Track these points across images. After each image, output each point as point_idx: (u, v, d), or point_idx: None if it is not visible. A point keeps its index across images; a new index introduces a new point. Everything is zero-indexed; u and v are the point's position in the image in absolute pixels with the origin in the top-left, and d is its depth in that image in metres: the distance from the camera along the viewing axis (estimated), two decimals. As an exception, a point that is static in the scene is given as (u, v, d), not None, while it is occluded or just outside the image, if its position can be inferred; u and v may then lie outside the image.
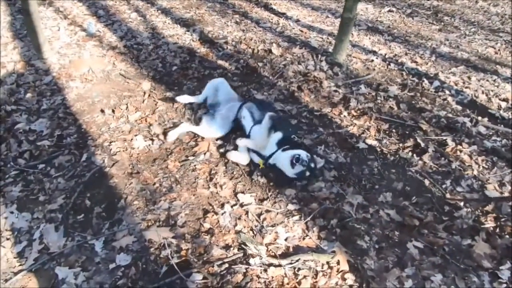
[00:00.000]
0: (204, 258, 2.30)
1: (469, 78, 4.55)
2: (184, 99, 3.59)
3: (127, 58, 4.50)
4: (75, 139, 3.21)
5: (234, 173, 2.94)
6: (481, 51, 5.43)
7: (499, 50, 5.50)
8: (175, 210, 2.61)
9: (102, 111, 3.54)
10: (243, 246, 2.35)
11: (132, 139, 3.20)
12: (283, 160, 2.82)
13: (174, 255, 2.31)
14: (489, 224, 2.61)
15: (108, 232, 2.46)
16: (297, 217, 2.58)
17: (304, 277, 2.19)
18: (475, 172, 3.04)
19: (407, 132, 3.45)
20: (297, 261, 2.27)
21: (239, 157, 3.01)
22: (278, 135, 2.98)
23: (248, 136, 3.15)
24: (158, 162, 3.02)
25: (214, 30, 5.39)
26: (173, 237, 2.41)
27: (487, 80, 4.53)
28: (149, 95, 3.81)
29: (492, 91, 4.28)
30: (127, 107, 3.59)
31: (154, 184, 2.82)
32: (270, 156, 2.92)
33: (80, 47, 4.66)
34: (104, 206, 2.65)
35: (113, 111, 3.53)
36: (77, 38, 4.90)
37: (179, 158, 3.05)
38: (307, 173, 2.78)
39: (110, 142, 3.17)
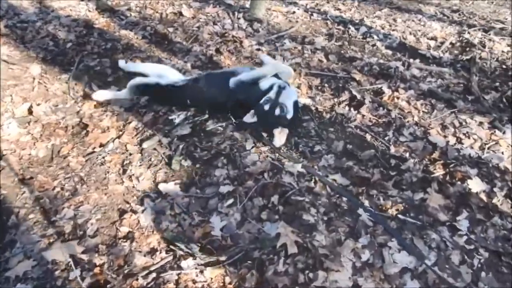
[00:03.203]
0: (125, 271, 1.88)
1: (394, 20, 4.40)
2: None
3: (9, 40, 3.77)
4: None
5: (152, 159, 2.48)
6: (402, -9, 5.30)
7: (419, -12, 5.41)
8: (83, 217, 2.13)
9: (-20, 107, 2.89)
10: (171, 247, 1.97)
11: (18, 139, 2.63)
12: None
13: (86, 275, 1.86)
14: (439, 172, 2.42)
15: (-2, 260, 1.95)
16: (231, 200, 2.21)
17: (249, 271, 1.86)
18: (416, 118, 2.85)
19: (340, 85, 3.18)
20: (238, 253, 1.93)
21: None
22: None
23: None
24: (57, 160, 2.48)
25: (114, -4, 4.73)
26: (83, 252, 1.96)
27: (413, 20, 4.41)
28: (39, 81, 3.18)
29: (419, 31, 4.15)
30: (12, 99, 2.96)
31: (54, 188, 2.31)
32: None
33: None
34: (-11, 228, 2.11)
35: (-6, 106, 2.89)
36: None
37: (83, 152, 2.53)
38: None
39: (-7, 145, 2.57)
